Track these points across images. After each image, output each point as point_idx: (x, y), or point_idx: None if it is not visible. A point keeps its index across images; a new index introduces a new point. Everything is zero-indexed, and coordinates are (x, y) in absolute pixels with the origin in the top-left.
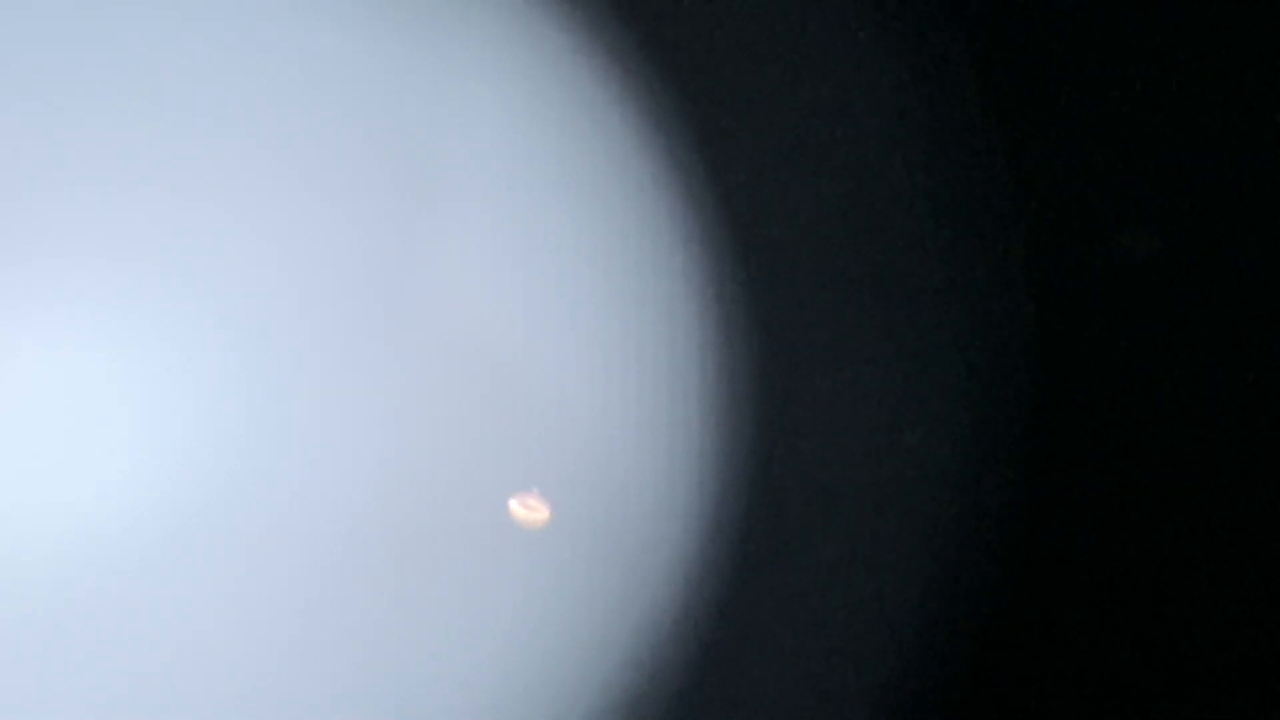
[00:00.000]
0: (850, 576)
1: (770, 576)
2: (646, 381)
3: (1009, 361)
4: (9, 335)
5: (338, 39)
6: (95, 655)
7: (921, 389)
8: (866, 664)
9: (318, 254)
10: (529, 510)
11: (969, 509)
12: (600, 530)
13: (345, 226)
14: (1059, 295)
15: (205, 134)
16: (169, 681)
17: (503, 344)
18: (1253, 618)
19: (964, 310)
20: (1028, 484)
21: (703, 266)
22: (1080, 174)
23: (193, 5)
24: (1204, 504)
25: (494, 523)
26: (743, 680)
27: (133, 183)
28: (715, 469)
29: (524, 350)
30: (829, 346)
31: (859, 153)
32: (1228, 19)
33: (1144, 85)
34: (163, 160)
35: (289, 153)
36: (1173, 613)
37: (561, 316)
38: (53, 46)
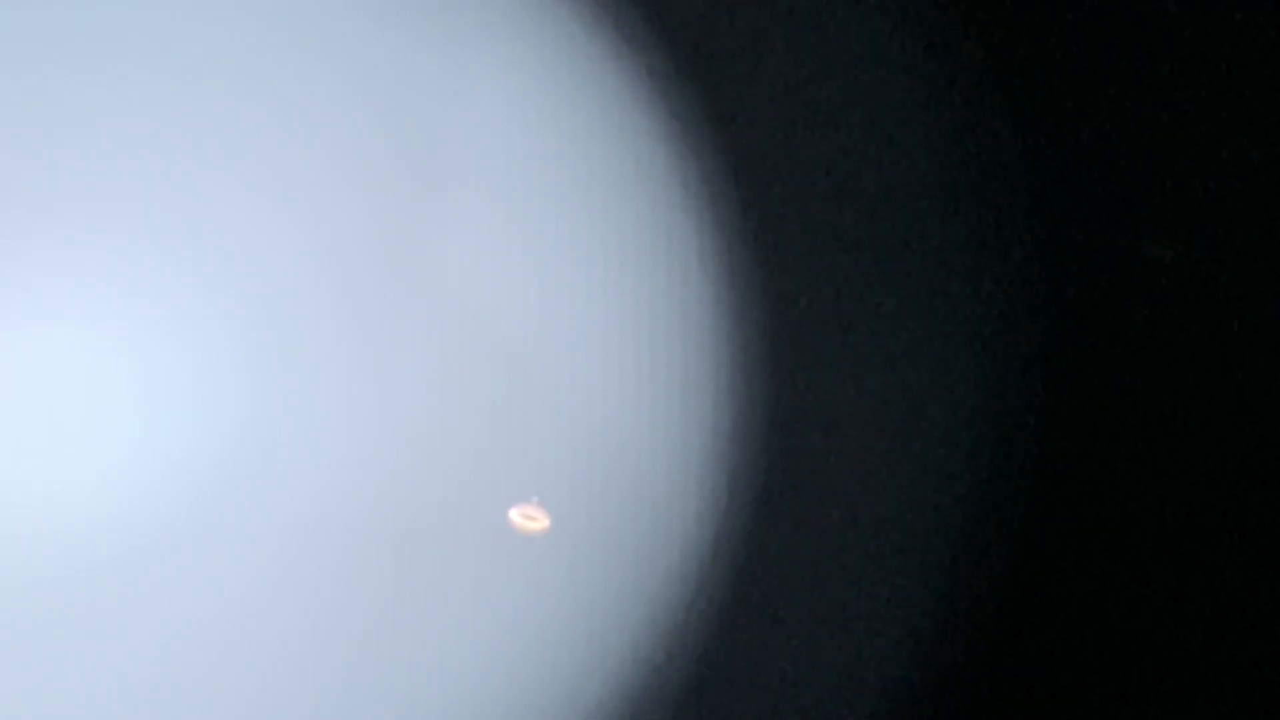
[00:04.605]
0: (857, 577)
1: (776, 576)
2: (657, 377)
3: (1023, 366)
4: (17, 317)
5: (351, 27)
6: (91, 642)
7: (934, 392)
8: (872, 665)
9: (328, 245)
10: (529, 520)
11: (979, 511)
12: (606, 527)
13: (357, 217)
14: (1076, 300)
15: (216, 122)
16: (164, 670)
17: (514, 339)
18: (1258, 621)
19: (978, 315)
20: (1038, 487)
21: (715, 262)
22: (1102, 179)
23: None
24: (1218, 512)
25: (500, 519)
26: (746, 681)
27: (146, 170)
28: (723, 466)
29: (535, 345)
30: (840, 346)
31: (875, 154)
32: (1257, 28)
33: (1171, 89)
34: (174, 148)
35: (300, 141)
36: (1178, 615)
37: (573, 312)
38: (57, 31)
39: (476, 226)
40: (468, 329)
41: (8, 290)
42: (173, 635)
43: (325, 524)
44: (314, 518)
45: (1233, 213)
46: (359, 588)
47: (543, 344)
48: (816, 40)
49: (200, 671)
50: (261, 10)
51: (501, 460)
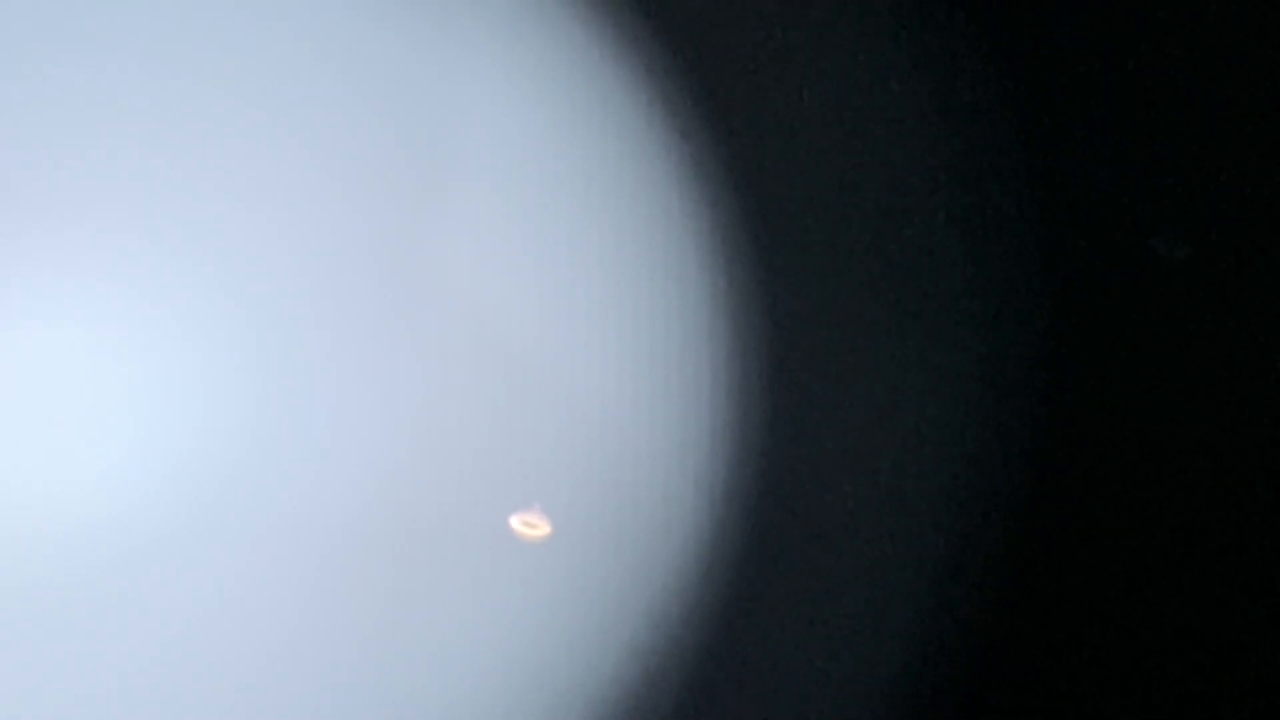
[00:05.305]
0: (857, 577)
1: (776, 576)
2: (657, 377)
3: (1026, 366)
4: (17, 317)
5: (352, 28)
6: (91, 642)
7: (935, 392)
8: (871, 665)
9: (328, 245)
10: (530, 527)
11: (979, 511)
12: (606, 526)
13: (357, 218)
14: (1081, 300)
15: (216, 122)
16: (164, 670)
17: (514, 339)
18: (1258, 622)
19: (982, 316)
20: (1039, 488)
21: (716, 262)
22: (1110, 177)
23: None
24: (1218, 512)
25: (499, 519)
26: (746, 681)
27: (146, 170)
28: (723, 466)
29: (535, 344)
30: (841, 346)
31: (879, 152)
32: (1266, 26)
33: (1181, 87)
34: (175, 148)
35: (300, 142)
36: (1179, 615)
37: (572, 312)
38: (57, 31)
39: (477, 227)
40: (467, 329)
41: (7, 290)
42: (172, 634)
43: (325, 524)
44: (314, 518)
45: (1244, 213)
46: (358, 588)
47: (542, 344)
48: (817, 40)
49: (200, 671)
50: (261, 11)
51: (501, 460)
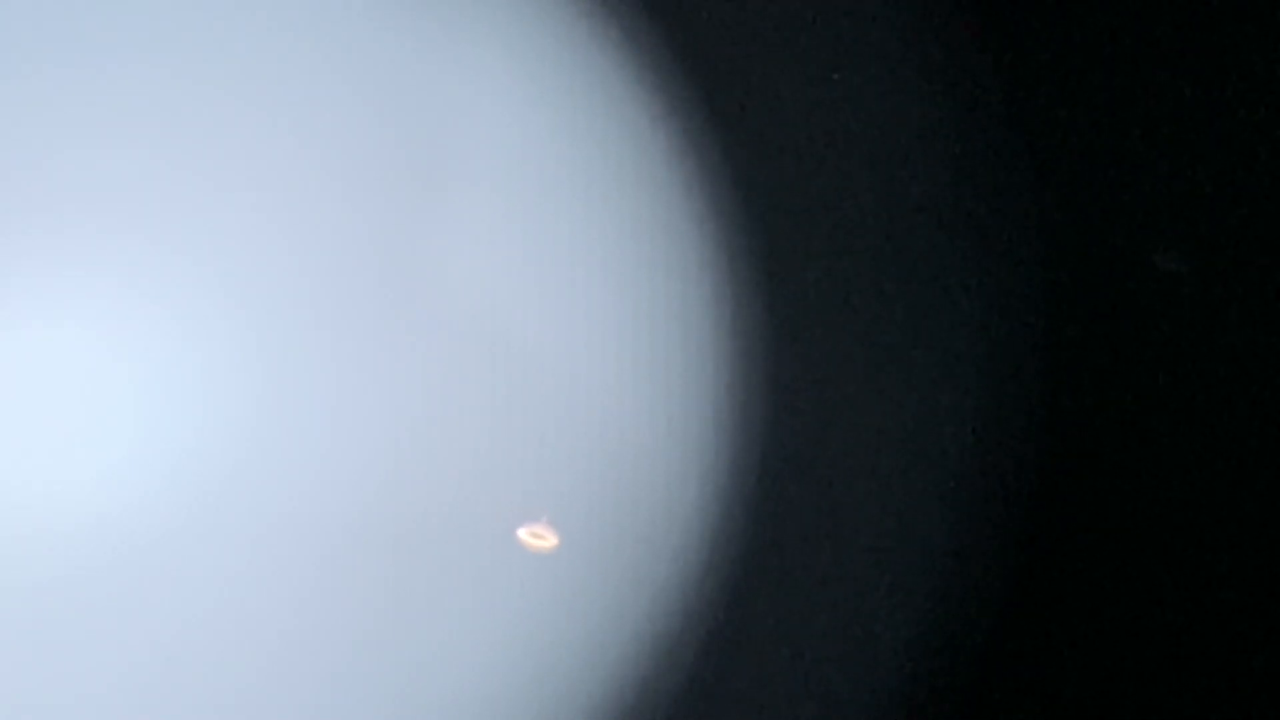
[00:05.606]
0: (857, 578)
1: (776, 577)
2: (657, 377)
3: (1026, 373)
4: (17, 317)
5: (351, 27)
6: (91, 641)
7: (936, 393)
8: (871, 666)
9: (328, 245)
10: (537, 538)
11: (979, 513)
12: (607, 526)
13: (357, 218)
14: (1080, 302)
15: (217, 123)
16: (164, 669)
17: (515, 339)
18: (1257, 622)
19: (982, 318)
20: (1039, 492)
21: (717, 261)
22: (1112, 184)
23: None
24: (1219, 518)
25: (501, 519)
26: (747, 680)
27: (146, 169)
28: (724, 466)
29: (535, 344)
30: (841, 348)
31: (881, 155)
32: (1269, 41)
33: (1184, 100)
34: (175, 147)
35: (301, 141)
36: (1178, 616)
37: (573, 312)
38: (58, 30)
39: (477, 227)
40: (467, 329)
41: (7, 290)
42: (173, 634)
43: (325, 524)
44: (314, 518)
45: (1246, 225)
46: (357, 587)
47: (543, 344)
48: (819, 41)
49: (200, 670)
50: (262, 11)
51: (501, 459)
